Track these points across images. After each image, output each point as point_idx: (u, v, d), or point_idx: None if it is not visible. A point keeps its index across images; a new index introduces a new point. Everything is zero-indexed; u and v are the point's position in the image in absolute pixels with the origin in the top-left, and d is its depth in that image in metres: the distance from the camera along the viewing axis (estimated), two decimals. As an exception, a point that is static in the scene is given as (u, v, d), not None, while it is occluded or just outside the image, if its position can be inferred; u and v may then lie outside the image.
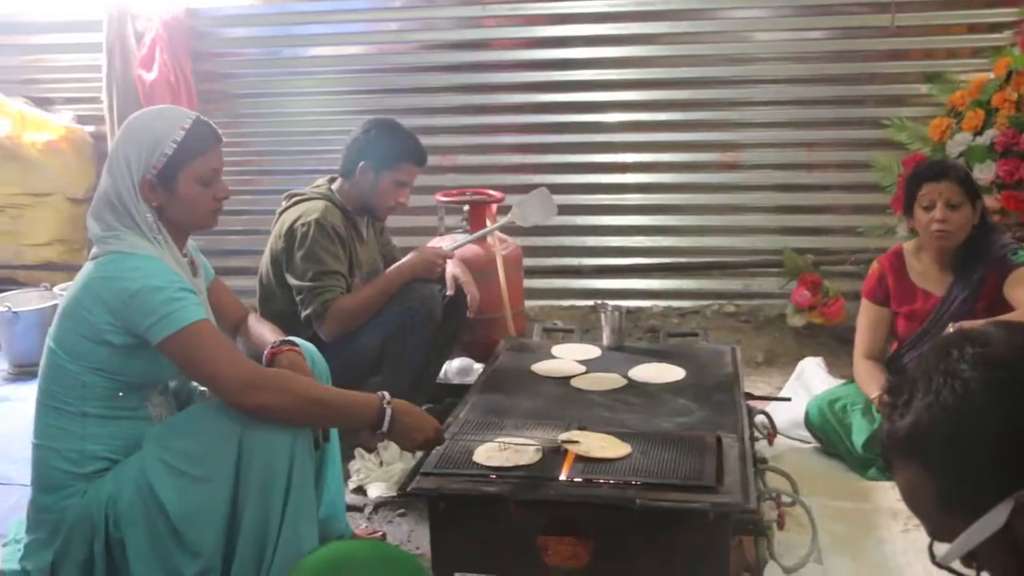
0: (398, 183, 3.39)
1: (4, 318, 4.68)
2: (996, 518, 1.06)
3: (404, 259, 3.36)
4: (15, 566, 2.36)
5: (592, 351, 3.32)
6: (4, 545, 2.47)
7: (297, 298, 3.23)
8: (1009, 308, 2.95)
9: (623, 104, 4.88)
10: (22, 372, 4.65)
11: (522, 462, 2.35)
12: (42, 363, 2.35)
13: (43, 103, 5.28)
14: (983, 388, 1.07)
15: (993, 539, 1.07)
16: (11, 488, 3.36)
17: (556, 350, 3.33)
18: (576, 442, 2.41)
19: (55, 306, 4.61)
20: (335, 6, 5.04)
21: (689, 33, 4.78)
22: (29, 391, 4.24)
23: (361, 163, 3.36)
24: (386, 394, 2.33)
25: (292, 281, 3.24)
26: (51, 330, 2.34)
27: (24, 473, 3.28)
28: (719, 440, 2.48)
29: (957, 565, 1.13)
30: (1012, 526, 1.06)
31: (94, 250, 2.33)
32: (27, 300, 4.84)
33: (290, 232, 3.26)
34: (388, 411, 2.30)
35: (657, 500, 2.16)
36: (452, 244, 3.60)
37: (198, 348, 2.20)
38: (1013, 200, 3.94)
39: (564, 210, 4.91)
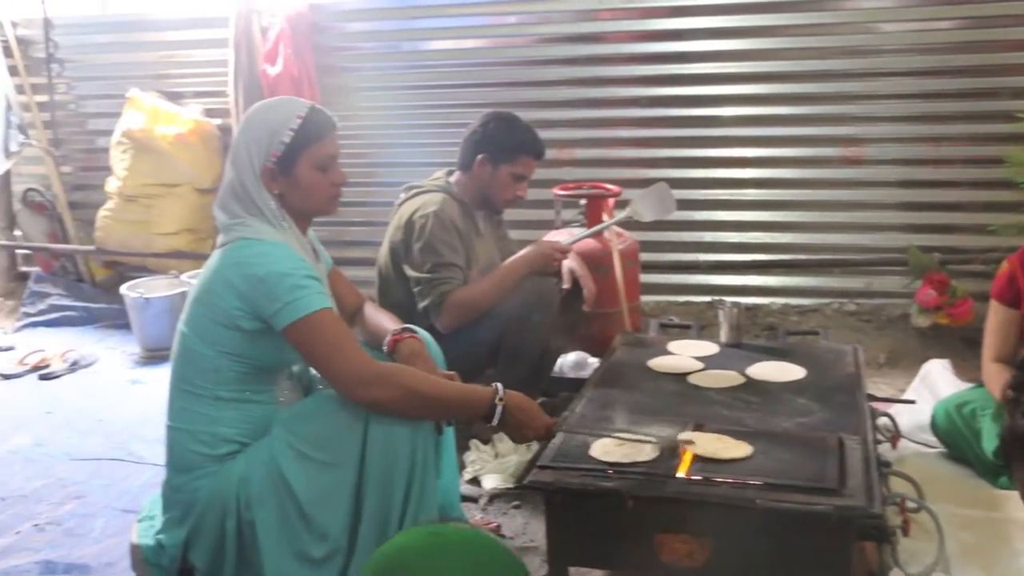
0: (516, 176, 3.41)
1: (136, 304, 4.87)
2: None
3: (521, 252, 3.36)
4: (150, 541, 2.46)
5: (709, 348, 3.28)
6: (139, 521, 2.57)
7: (415, 289, 3.27)
8: None
9: (742, 98, 4.79)
10: (152, 356, 4.84)
11: (639, 458, 2.34)
12: (175, 348, 2.43)
13: (174, 97, 5.46)
14: None
15: None
16: (143, 467, 3.51)
17: (672, 346, 3.30)
18: (692, 443, 2.39)
19: (183, 293, 4.81)
20: (454, 0, 5.07)
21: (811, 25, 4.65)
22: (159, 374, 4.47)
23: (479, 156, 3.38)
24: (499, 387, 2.35)
25: (410, 272, 3.29)
26: (183, 316, 2.42)
27: (155, 453, 3.45)
28: (841, 442, 2.42)
29: None
30: None
31: (221, 238, 2.41)
32: (157, 287, 5.03)
33: (409, 224, 3.31)
34: (500, 406, 2.33)
35: (778, 501, 2.13)
36: (570, 239, 3.60)
37: (319, 338, 2.25)
38: None
39: (681, 205, 4.84)
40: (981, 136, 4.53)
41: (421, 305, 3.24)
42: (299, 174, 2.37)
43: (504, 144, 3.38)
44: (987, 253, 4.36)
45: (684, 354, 3.20)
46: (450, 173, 3.51)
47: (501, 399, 2.33)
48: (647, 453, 2.36)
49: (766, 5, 4.68)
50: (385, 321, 2.67)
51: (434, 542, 1.28)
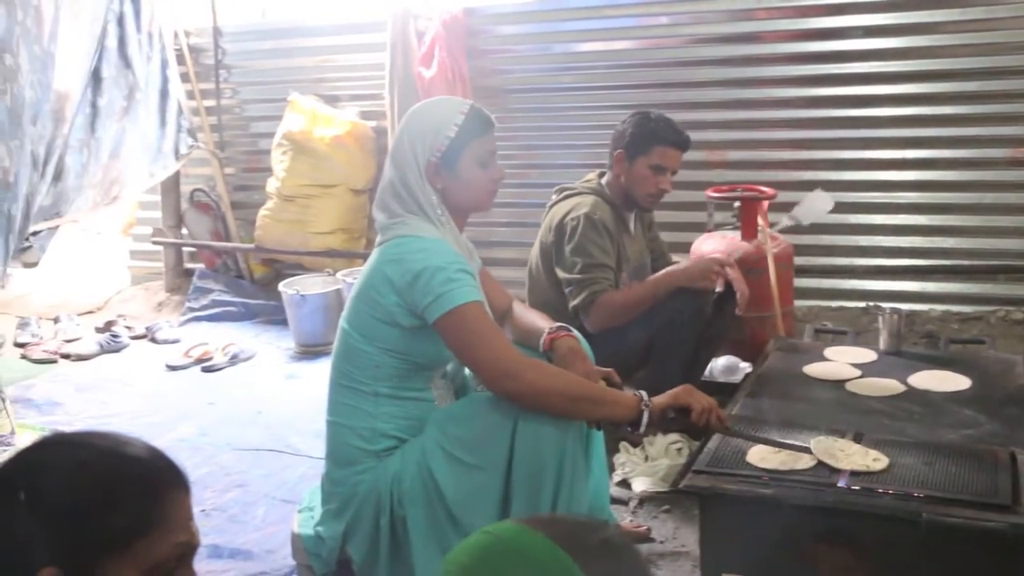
0: (654, 168, 3.37)
1: (293, 300, 5.05)
2: None
3: (682, 264, 3.33)
4: (310, 532, 2.54)
5: (867, 355, 3.19)
6: (299, 511, 2.66)
7: (566, 290, 3.29)
8: None
9: (901, 97, 4.63)
10: (307, 351, 5.00)
11: (798, 467, 2.30)
12: (336, 344, 2.51)
13: (331, 100, 5.63)
14: None
15: None
16: (300, 459, 3.63)
17: (828, 352, 3.22)
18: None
19: (337, 290, 4.97)
20: (606, 1, 5.06)
21: (979, 20, 4.46)
22: (313, 369, 4.63)
23: (616, 152, 3.40)
24: (644, 394, 2.34)
25: (561, 274, 3.31)
26: (345, 313, 2.50)
27: (311, 445, 3.58)
28: (1014, 456, 2.32)
29: None
30: None
31: (379, 238, 2.47)
32: (312, 284, 5.20)
33: (560, 226, 3.34)
34: (646, 414, 2.32)
35: (945, 515, 2.05)
36: (728, 248, 3.52)
37: (467, 329, 2.28)
38: None
39: (836, 208, 4.72)
40: None
41: (572, 304, 3.26)
42: (461, 169, 2.42)
43: (637, 136, 3.38)
44: None
45: (841, 361, 3.12)
46: (602, 175, 3.52)
47: (647, 405, 2.32)
48: (805, 462, 2.32)
49: (927, 1, 4.51)
50: (537, 319, 2.70)
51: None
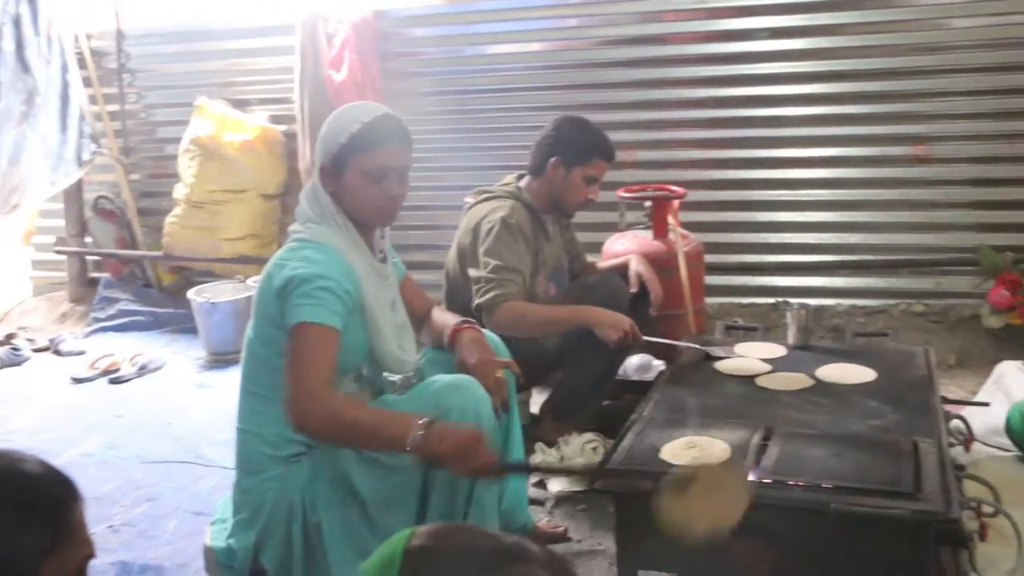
0: (588, 179, 3.41)
1: (203, 308, 4.96)
2: None
3: (600, 311, 3.24)
4: (222, 544, 2.49)
5: (777, 350, 3.24)
6: (212, 523, 2.61)
7: (474, 287, 3.28)
8: None
9: (808, 97, 4.73)
10: (218, 360, 4.92)
11: (710, 461, 2.32)
12: (243, 351, 2.46)
13: (240, 104, 5.55)
14: None
15: None
16: (212, 470, 3.56)
17: (740, 348, 3.27)
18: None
19: (248, 297, 4.89)
20: (516, 4, 5.08)
21: (878, 22, 4.59)
22: (225, 378, 4.54)
23: (553, 159, 3.39)
24: (428, 417, 2.15)
25: (473, 273, 3.30)
26: (250, 320, 2.46)
27: (223, 456, 3.51)
28: (915, 445, 2.38)
29: None
30: None
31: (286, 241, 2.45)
32: (222, 292, 5.12)
33: (476, 228, 3.33)
34: (416, 434, 2.11)
35: (852, 505, 2.09)
36: (650, 338, 3.39)
37: (296, 347, 2.23)
38: None
39: (746, 206, 4.85)
40: (1057, 133, 4.42)
41: (476, 302, 3.23)
42: (347, 179, 2.38)
43: (577, 146, 3.39)
44: (1063, 252, 4.27)
45: (752, 356, 3.17)
46: (520, 177, 3.52)
47: (423, 425, 2.12)
48: (717, 455, 2.34)
49: (831, 4, 4.63)
50: (448, 319, 2.69)
51: None
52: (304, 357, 2.21)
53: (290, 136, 5.38)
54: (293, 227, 2.43)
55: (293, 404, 2.19)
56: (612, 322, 3.19)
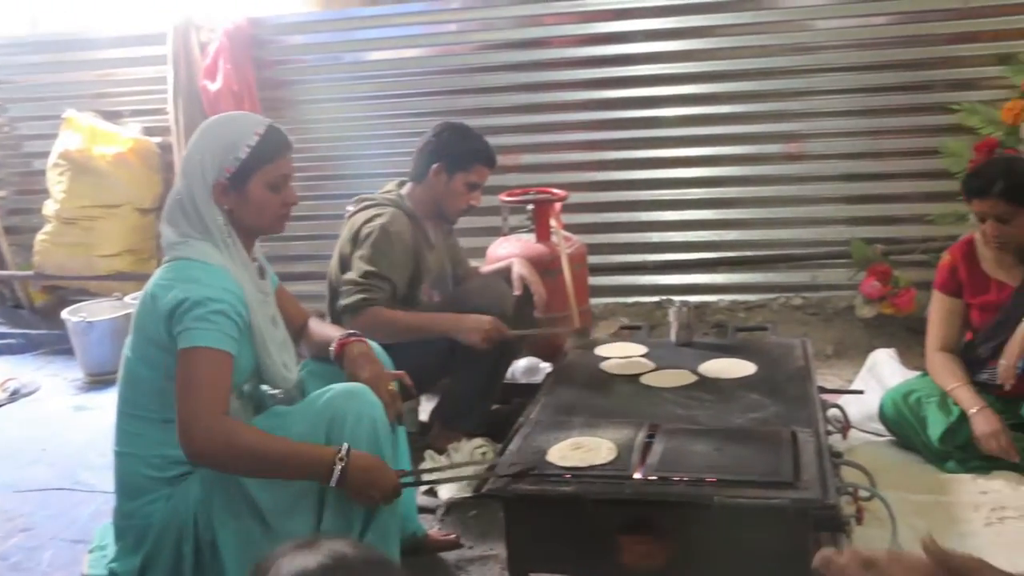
0: (470, 185, 3.41)
1: (79, 328, 4.79)
2: None
3: (464, 316, 3.21)
4: (102, 571, 2.41)
5: (661, 347, 3.29)
6: (90, 551, 2.52)
7: (341, 289, 3.24)
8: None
9: (685, 98, 4.83)
10: (97, 381, 4.76)
11: (597, 461, 2.34)
12: (120, 371, 2.38)
13: (112, 116, 5.38)
14: None
15: None
16: (92, 495, 3.44)
17: (625, 347, 3.30)
18: None
19: (127, 315, 4.74)
20: (394, 10, 5.05)
21: (750, 24, 4.70)
22: (104, 399, 4.40)
23: (434, 165, 3.38)
24: (345, 447, 2.19)
25: (345, 276, 3.27)
26: (128, 339, 2.38)
27: (103, 480, 3.38)
28: (794, 435, 2.44)
29: None
30: None
31: (164, 258, 2.37)
32: (99, 310, 4.95)
33: (356, 235, 3.30)
34: (338, 468, 2.15)
35: (735, 497, 2.14)
36: (517, 331, 3.36)
37: (189, 373, 2.17)
38: (1091, 182, 3.83)
39: (627, 206, 4.92)
40: (918, 128, 4.60)
41: (341, 303, 3.19)
42: (251, 192, 2.34)
43: (459, 153, 3.38)
44: (927, 242, 4.45)
45: (636, 354, 3.21)
46: (401, 184, 3.49)
47: (343, 459, 2.16)
48: (604, 455, 2.36)
49: (707, 5, 4.72)
50: (330, 331, 2.66)
51: None
52: (199, 383, 2.16)
53: (165, 148, 5.25)
54: (170, 238, 2.36)
55: (187, 432, 2.14)
56: (472, 326, 3.16)
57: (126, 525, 2.37)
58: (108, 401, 4.27)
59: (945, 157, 4.37)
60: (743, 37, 4.72)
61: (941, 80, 4.57)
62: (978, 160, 4.00)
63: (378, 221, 3.27)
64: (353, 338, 2.56)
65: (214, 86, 4.92)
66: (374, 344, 2.62)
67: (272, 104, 5.07)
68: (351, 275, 3.24)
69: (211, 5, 5.03)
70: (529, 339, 3.62)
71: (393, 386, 2.48)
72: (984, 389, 3.13)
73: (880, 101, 4.64)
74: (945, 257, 3.30)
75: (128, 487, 2.37)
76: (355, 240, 3.30)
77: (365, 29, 5.12)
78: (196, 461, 2.19)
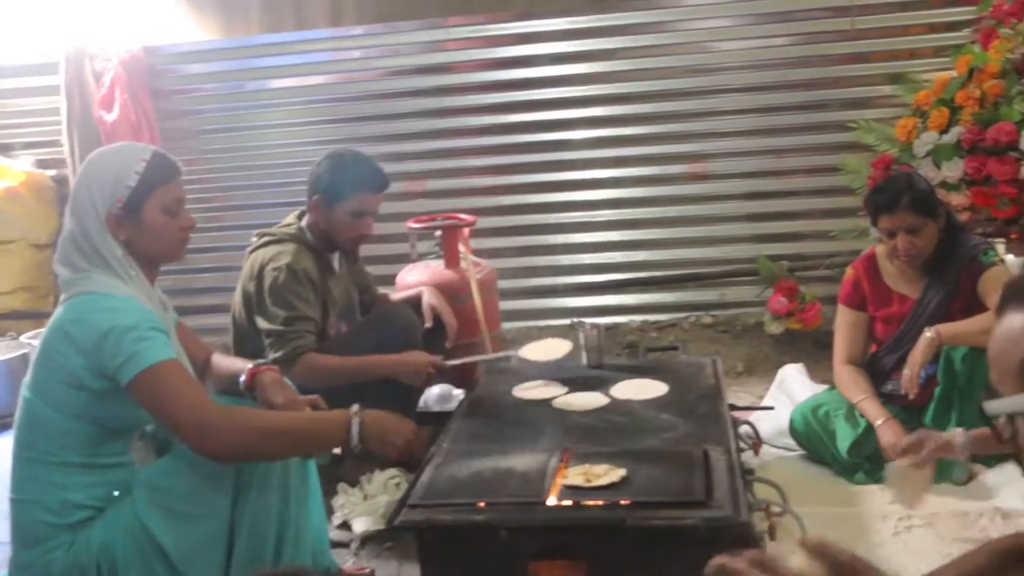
0: (354, 214, 3.29)
1: (-28, 370, 4.60)
2: None
3: (398, 357, 3.19)
4: (-4, 625, 2.30)
5: (572, 371, 3.28)
6: (-17, 605, 2.40)
7: (266, 341, 3.16)
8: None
9: (590, 120, 4.88)
10: (-9, 425, 4.56)
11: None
12: (18, 414, 2.29)
13: (3, 149, 5.23)
14: None
15: None
16: (-15, 546, 3.28)
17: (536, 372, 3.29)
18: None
19: (23, 355, 4.57)
20: (295, 37, 5.01)
21: (652, 46, 4.79)
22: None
23: (314, 198, 3.29)
24: (355, 407, 2.27)
25: (262, 324, 3.18)
26: (26, 379, 2.28)
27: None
28: (706, 454, 2.45)
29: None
30: None
31: (63, 295, 2.29)
32: (-7, 351, 4.76)
33: (260, 275, 3.21)
34: (356, 422, 2.24)
35: (647, 519, 2.13)
36: (454, 361, 3.34)
37: (163, 388, 2.14)
38: (982, 196, 3.96)
39: (536, 229, 4.93)
40: (818, 146, 4.73)
41: (273, 357, 3.12)
42: (147, 219, 2.29)
43: (335, 183, 3.27)
44: (831, 258, 4.53)
45: (548, 379, 3.19)
46: (302, 215, 3.42)
47: (356, 413, 2.25)
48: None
49: (609, 29, 4.79)
50: (236, 363, 2.63)
51: None
52: (178, 391, 2.14)
53: (60, 181, 5.11)
54: (67, 276, 2.27)
55: (202, 436, 2.12)
56: (412, 368, 3.15)
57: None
58: (2, 446, 4.12)
59: (845, 174, 4.48)
60: (646, 60, 4.80)
61: (837, 99, 4.71)
62: (876, 176, 4.10)
63: (283, 261, 3.19)
64: (264, 367, 2.53)
65: (111, 116, 4.81)
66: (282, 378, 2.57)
67: (172, 134, 4.98)
68: (270, 324, 3.16)
69: (105, 34, 4.92)
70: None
71: (308, 412, 2.45)
72: (889, 400, 3.18)
73: (780, 120, 4.75)
74: (848, 272, 3.36)
75: (25, 536, 2.27)
76: (259, 280, 3.21)
77: (266, 57, 5.07)
78: (223, 458, 2.16)
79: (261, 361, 2.57)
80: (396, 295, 3.71)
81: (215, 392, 2.62)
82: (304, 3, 4.99)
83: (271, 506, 2.22)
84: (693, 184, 4.84)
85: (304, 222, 3.37)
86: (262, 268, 3.21)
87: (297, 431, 2.26)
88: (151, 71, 5.00)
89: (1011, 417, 1.18)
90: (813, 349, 4.40)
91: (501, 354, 3.22)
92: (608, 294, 4.95)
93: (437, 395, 3.82)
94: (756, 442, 3.06)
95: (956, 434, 2.09)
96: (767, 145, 4.78)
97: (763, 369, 4.37)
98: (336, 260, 3.42)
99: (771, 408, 3.44)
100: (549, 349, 3.26)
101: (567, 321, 4.81)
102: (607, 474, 2.35)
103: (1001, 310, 1.20)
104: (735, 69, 4.76)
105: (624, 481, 2.31)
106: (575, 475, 2.36)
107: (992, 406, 1.18)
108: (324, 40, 5.02)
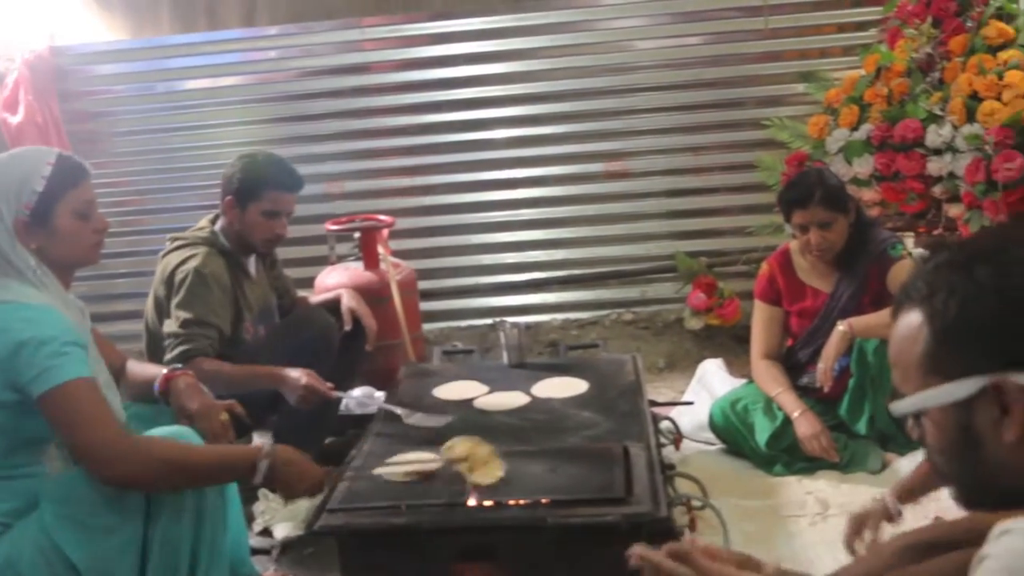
0: (267, 213, 3.24)
1: None
2: (964, 389, 1.10)
3: (288, 372, 3.05)
4: None
5: (494, 370, 3.28)
6: None
7: (165, 343, 3.11)
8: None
9: (509, 120, 4.87)
10: None
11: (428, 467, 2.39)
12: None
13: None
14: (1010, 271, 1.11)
15: (950, 408, 1.11)
16: None
17: (457, 372, 3.28)
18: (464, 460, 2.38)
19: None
20: (207, 37, 4.91)
21: (569, 46, 4.80)
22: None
23: (226, 199, 3.24)
24: (267, 446, 2.23)
25: (165, 327, 3.13)
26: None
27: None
28: (626, 450, 2.47)
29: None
30: (973, 403, 1.10)
31: None
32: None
33: (170, 279, 3.15)
34: (264, 464, 2.18)
35: (568, 517, 2.14)
36: (339, 393, 3.16)
37: (71, 408, 2.08)
38: (891, 191, 4.05)
39: (456, 230, 4.91)
40: (734, 144, 4.78)
41: (166, 358, 3.05)
42: (59, 223, 2.23)
43: (247, 183, 3.23)
44: (748, 253, 4.60)
45: (469, 379, 3.18)
46: (215, 219, 3.36)
47: (267, 455, 2.20)
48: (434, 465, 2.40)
49: (525, 28, 4.79)
50: (151, 368, 2.58)
51: None
52: (89, 414, 2.07)
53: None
54: None
55: (104, 463, 2.06)
56: (289, 387, 3.03)
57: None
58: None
59: (761, 171, 4.54)
60: (563, 59, 4.81)
61: (752, 97, 4.78)
62: (790, 173, 4.17)
63: (191, 264, 3.13)
64: (179, 372, 2.48)
65: (15, 119, 4.66)
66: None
67: (81, 137, 4.84)
68: (171, 326, 3.10)
69: (7, 33, 4.77)
70: (362, 366, 3.56)
71: (225, 416, 2.42)
72: (805, 393, 3.24)
73: (697, 119, 4.80)
74: (763, 267, 3.42)
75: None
76: (169, 284, 3.15)
77: (178, 57, 4.96)
78: (131, 487, 2.10)
79: (176, 366, 2.52)
80: (315, 298, 3.66)
81: (131, 399, 2.56)
82: (216, 3, 4.89)
83: (184, 518, 2.16)
84: (612, 182, 4.86)
85: (217, 226, 3.32)
86: (172, 272, 3.15)
87: (203, 467, 2.19)
88: (58, 72, 4.85)
89: (916, 417, 1.19)
90: (732, 344, 4.47)
91: (397, 409, 3.02)
92: (529, 293, 4.95)
93: (358, 399, 3.78)
94: (677, 437, 3.11)
95: (887, 502, 2.11)
96: (685, 143, 4.82)
97: (684, 365, 4.42)
98: (252, 264, 3.36)
99: (691, 403, 3.48)
100: (462, 390, 3.17)
101: (489, 321, 4.84)
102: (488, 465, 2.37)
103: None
104: (652, 68, 4.79)
105: (502, 483, 2.31)
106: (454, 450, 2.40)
107: (897, 407, 1.18)
108: (238, 40, 4.93)
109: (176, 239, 3.30)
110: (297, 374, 3.01)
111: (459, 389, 3.10)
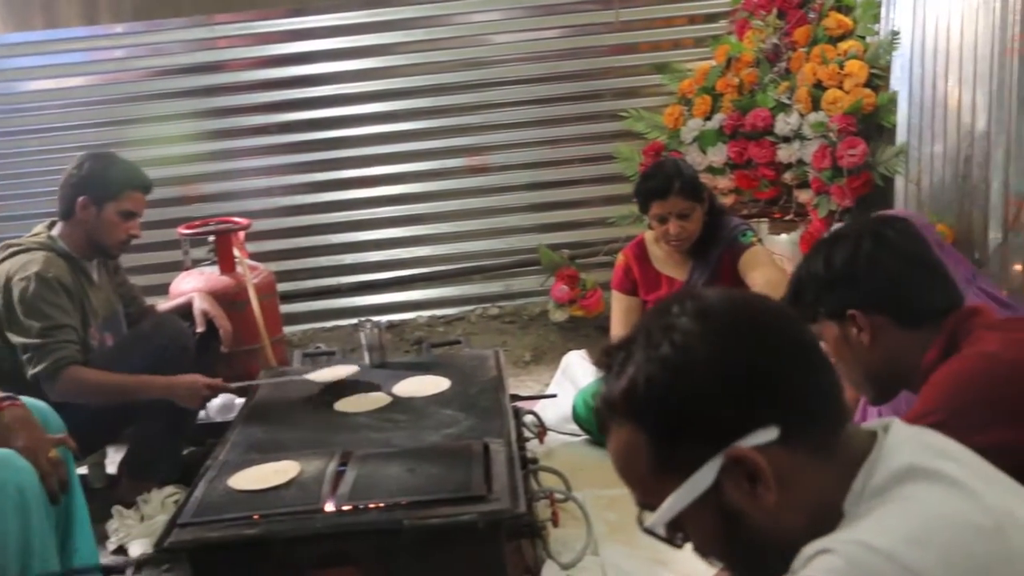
0: (124, 213, 3.14)
1: None
2: (706, 477, 1.03)
3: (172, 379, 3.02)
4: None
5: (355, 371, 3.22)
6: None
7: (24, 356, 2.95)
8: (746, 287, 3.09)
9: (367, 117, 4.82)
10: None
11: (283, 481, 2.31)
12: None
13: None
14: (700, 338, 1.04)
15: (701, 501, 1.04)
16: None
17: (316, 375, 3.21)
18: None
19: None
20: (49, 36, 4.69)
21: (425, 41, 4.77)
22: None
23: (80, 199, 3.11)
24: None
25: (16, 339, 2.96)
26: None
27: None
28: (486, 447, 2.45)
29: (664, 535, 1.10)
30: (720, 485, 1.03)
31: None
32: None
33: (8, 288, 2.99)
34: None
35: (425, 518, 2.11)
36: (237, 384, 3.19)
37: None
38: (744, 179, 4.16)
39: (316, 230, 4.84)
40: (593, 136, 4.84)
41: (31, 372, 2.92)
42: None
43: (105, 181, 3.13)
44: (609, 244, 4.64)
45: (328, 380, 3.12)
46: (51, 226, 3.21)
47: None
48: (290, 473, 2.33)
49: (381, 24, 4.75)
50: None
51: None
52: None
53: None
54: None
55: None
56: (186, 391, 3.00)
57: None
58: None
59: (619, 161, 4.60)
60: (420, 54, 4.78)
61: (608, 89, 4.83)
62: (647, 163, 4.23)
63: (32, 270, 2.98)
64: (7, 403, 2.31)
65: None
66: (39, 406, 2.40)
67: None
68: (24, 338, 2.95)
69: None
70: (219, 371, 3.45)
71: (55, 452, 2.26)
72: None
73: (555, 111, 4.83)
74: (619, 258, 3.45)
75: None
76: (6, 292, 3.00)
77: (16, 57, 4.73)
78: None
79: (5, 395, 2.33)
80: (164, 305, 3.54)
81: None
82: (53, 0, 4.69)
83: (10, 546, 2.07)
84: (473, 177, 4.86)
85: (55, 231, 3.18)
86: (8, 280, 3.00)
87: None
88: None
89: (672, 525, 1.08)
90: (597, 334, 4.50)
91: (285, 376, 3.02)
92: (394, 291, 4.91)
93: (219, 405, 3.68)
94: (541, 430, 3.11)
95: None
96: (544, 136, 4.85)
97: (550, 357, 4.43)
98: (94, 269, 3.23)
99: (555, 396, 3.49)
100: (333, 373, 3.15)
101: (353, 321, 4.77)
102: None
103: (604, 431, 1.12)
104: (509, 62, 4.80)
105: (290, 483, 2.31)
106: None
107: (654, 523, 1.08)
108: (82, 39, 4.73)
109: (9, 246, 3.15)
110: (190, 377, 2.99)
111: (329, 371, 3.10)
